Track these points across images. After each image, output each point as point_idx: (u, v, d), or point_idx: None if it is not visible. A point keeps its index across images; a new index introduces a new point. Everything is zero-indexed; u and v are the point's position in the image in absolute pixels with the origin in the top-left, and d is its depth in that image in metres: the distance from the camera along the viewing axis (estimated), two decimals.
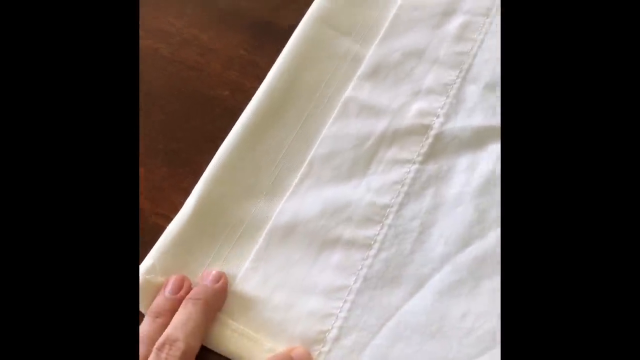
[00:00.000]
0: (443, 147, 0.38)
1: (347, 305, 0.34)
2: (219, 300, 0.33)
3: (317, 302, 0.34)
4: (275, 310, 0.34)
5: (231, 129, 0.38)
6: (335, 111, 0.39)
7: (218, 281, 0.33)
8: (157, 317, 0.32)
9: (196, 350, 0.31)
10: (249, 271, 0.35)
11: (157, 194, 0.37)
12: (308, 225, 0.36)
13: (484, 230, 0.36)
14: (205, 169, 0.36)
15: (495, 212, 0.36)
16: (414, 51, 0.41)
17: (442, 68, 0.40)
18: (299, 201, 0.37)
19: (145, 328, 0.31)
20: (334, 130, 0.39)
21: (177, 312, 0.32)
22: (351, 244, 0.35)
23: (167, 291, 0.33)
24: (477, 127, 0.38)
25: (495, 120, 0.39)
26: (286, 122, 0.39)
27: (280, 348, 0.32)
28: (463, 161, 0.38)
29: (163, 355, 0.30)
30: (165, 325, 0.31)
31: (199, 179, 0.36)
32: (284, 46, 0.41)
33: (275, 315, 0.33)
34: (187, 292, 0.33)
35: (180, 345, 0.30)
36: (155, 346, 0.30)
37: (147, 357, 0.30)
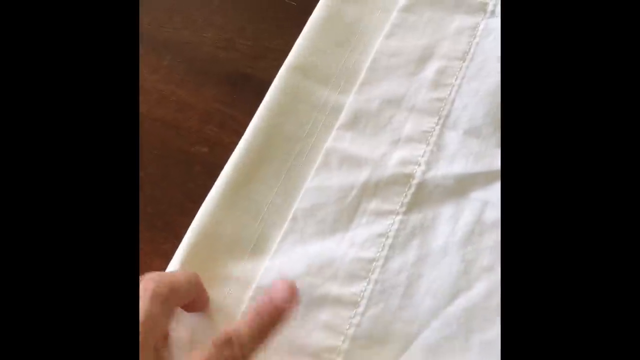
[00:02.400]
0: (426, 196, 0.38)
1: None
2: None
3: None
4: None
5: (212, 186, 0.37)
6: (317, 163, 0.39)
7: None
8: None
9: None
10: None
11: None
12: None
13: (470, 281, 0.35)
14: (186, 231, 0.36)
15: (482, 262, 0.36)
16: (392, 99, 0.41)
17: (420, 115, 0.40)
18: (284, 259, 0.36)
19: None
20: (316, 183, 0.38)
21: None
22: (338, 301, 0.35)
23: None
24: (459, 175, 0.38)
25: (478, 166, 0.39)
26: (267, 176, 0.38)
27: None
28: (447, 210, 0.38)
29: None
30: None
31: (180, 242, 0.36)
32: (262, 98, 0.40)
33: None
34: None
35: None
36: None
37: None
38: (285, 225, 0.37)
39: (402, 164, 0.39)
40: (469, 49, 0.43)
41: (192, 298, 0.32)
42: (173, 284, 0.30)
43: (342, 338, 0.34)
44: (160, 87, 0.42)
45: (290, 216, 0.37)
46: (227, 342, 0.29)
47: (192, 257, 0.35)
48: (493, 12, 0.45)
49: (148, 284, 0.29)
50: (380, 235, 0.37)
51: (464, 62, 0.42)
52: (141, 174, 0.39)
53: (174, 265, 0.35)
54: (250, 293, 0.35)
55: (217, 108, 0.42)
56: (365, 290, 0.35)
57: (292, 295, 0.31)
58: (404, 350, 0.34)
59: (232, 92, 0.42)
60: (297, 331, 0.34)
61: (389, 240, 0.37)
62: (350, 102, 0.41)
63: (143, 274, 0.35)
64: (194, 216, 0.36)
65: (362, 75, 0.42)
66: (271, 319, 0.31)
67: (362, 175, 0.38)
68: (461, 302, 0.35)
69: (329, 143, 0.39)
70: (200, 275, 0.35)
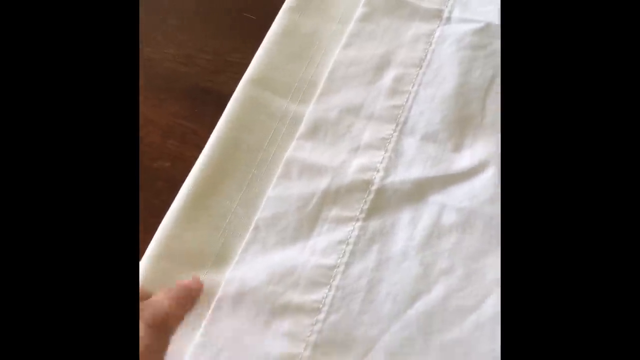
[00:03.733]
0: (385, 201, 0.39)
1: None
2: None
3: None
4: None
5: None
6: (278, 173, 0.39)
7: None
8: None
9: None
10: (198, 347, 0.34)
11: None
12: (256, 293, 0.36)
13: (429, 284, 0.36)
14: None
15: (440, 265, 0.37)
16: (351, 107, 0.42)
17: (378, 123, 0.41)
18: (246, 269, 0.37)
19: None
20: (277, 193, 0.39)
21: None
22: (299, 309, 0.35)
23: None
24: (416, 179, 0.39)
25: (435, 171, 0.39)
26: (229, 188, 0.39)
27: None
28: (405, 215, 0.38)
29: None
30: None
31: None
32: (223, 112, 0.41)
33: None
34: None
35: None
36: None
37: None
38: (247, 236, 0.37)
39: (361, 171, 0.39)
40: (425, 55, 0.44)
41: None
42: (168, 315, 0.33)
43: (303, 345, 0.34)
44: None
45: (252, 226, 0.38)
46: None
47: (154, 270, 0.36)
48: (449, 18, 0.46)
49: (145, 315, 0.31)
50: (341, 242, 0.37)
51: (420, 69, 0.43)
52: None
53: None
54: (213, 304, 0.35)
55: (178, 123, 0.42)
56: (326, 297, 0.36)
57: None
58: (366, 354, 0.34)
59: (193, 106, 0.43)
60: (259, 339, 0.34)
61: (350, 247, 0.37)
62: (309, 112, 0.42)
63: None
64: None
65: (321, 85, 0.43)
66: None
67: (322, 183, 0.39)
68: (420, 305, 0.36)
69: (289, 153, 0.40)
70: (163, 287, 0.35)
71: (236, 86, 0.42)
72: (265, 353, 0.34)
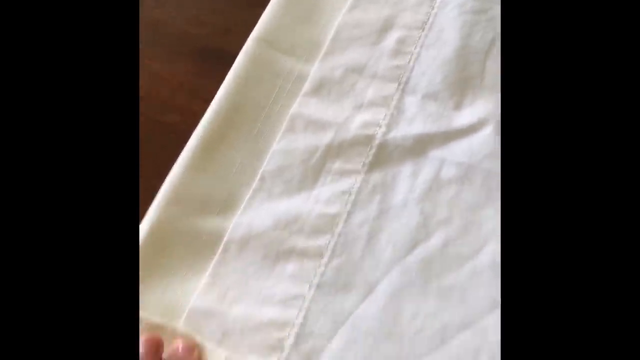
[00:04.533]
0: (387, 156, 0.40)
1: (303, 313, 0.35)
2: None
3: (275, 311, 0.35)
4: (235, 322, 0.35)
5: None
6: (283, 127, 0.41)
7: (193, 351, 0.33)
8: None
9: None
10: (206, 286, 0.36)
11: None
12: (262, 238, 0.37)
13: (429, 232, 0.38)
14: None
15: (439, 215, 0.38)
16: (355, 67, 0.43)
17: (381, 82, 0.43)
18: (252, 215, 0.38)
19: None
20: (283, 146, 0.40)
21: None
22: (304, 253, 0.37)
23: (144, 353, 0.32)
24: (417, 135, 0.40)
25: (435, 127, 0.41)
26: (235, 140, 0.40)
27: (239, 356, 0.33)
28: (406, 169, 0.40)
29: None
30: None
31: None
32: None
33: (235, 326, 0.34)
34: (161, 353, 0.33)
35: None
36: None
37: None
38: (254, 185, 0.39)
39: (364, 127, 0.41)
40: (428, 19, 0.45)
41: None
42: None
43: (307, 287, 0.36)
44: None
45: (258, 177, 0.39)
46: None
47: (164, 215, 0.37)
48: None
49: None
50: (344, 192, 0.39)
51: (422, 31, 0.45)
52: None
53: (145, 223, 0.37)
54: (220, 247, 0.37)
55: (187, 79, 0.44)
56: (329, 243, 0.37)
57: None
58: (366, 296, 0.36)
59: (203, 65, 0.44)
60: (264, 282, 0.36)
61: (352, 197, 0.39)
62: (314, 70, 0.43)
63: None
64: None
65: (326, 45, 0.44)
66: None
67: (326, 138, 0.40)
68: (420, 251, 0.37)
69: (294, 108, 0.41)
70: (171, 232, 0.37)
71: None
72: (271, 293, 0.36)
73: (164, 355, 0.33)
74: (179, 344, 0.33)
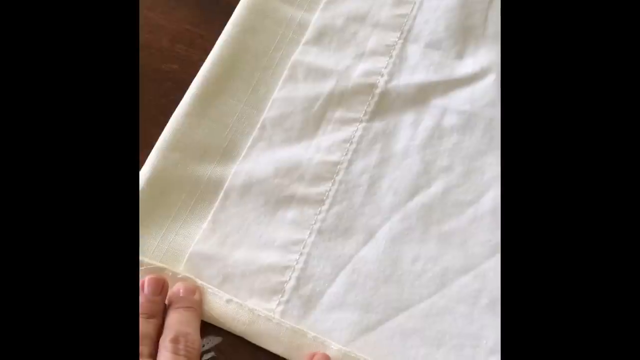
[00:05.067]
0: (388, 104, 0.40)
1: (304, 257, 0.35)
2: (201, 310, 0.33)
3: (275, 255, 0.35)
4: (235, 266, 0.35)
5: None
6: (284, 75, 0.40)
7: (194, 293, 0.33)
8: (149, 317, 0.32)
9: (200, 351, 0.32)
10: (207, 232, 0.36)
11: None
12: (262, 185, 0.37)
13: (429, 180, 0.37)
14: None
15: (440, 163, 0.38)
16: (356, 15, 0.43)
17: (383, 30, 0.42)
18: (253, 163, 0.38)
19: (140, 328, 0.31)
20: (283, 94, 0.40)
21: (173, 314, 0.32)
22: (304, 200, 0.37)
23: (150, 293, 0.33)
24: (419, 84, 0.40)
25: (438, 76, 0.40)
26: (236, 88, 0.40)
27: (240, 299, 0.33)
28: (408, 117, 0.39)
29: (181, 346, 0.30)
30: (159, 325, 0.32)
31: None
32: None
33: (235, 270, 0.35)
34: (166, 292, 0.33)
35: (194, 338, 0.31)
36: (169, 339, 0.30)
37: (151, 355, 0.30)
38: (254, 133, 0.39)
39: (365, 75, 0.40)
40: None
41: None
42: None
43: (308, 232, 0.36)
44: None
45: (258, 125, 0.39)
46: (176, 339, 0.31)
47: (164, 161, 0.37)
48: None
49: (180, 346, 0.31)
50: (345, 140, 0.39)
51: None
52: None
53: (146, 169, 0.36)
54: (220, 194, 0.37)
55: (186, 28, 0.43)
56: (330, 190, 0.37)
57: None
58: (367, 241, 0.36)
59: (202, 14, 0.44)
60: (264, 228, 0.36)
61: (353, 146, 0.39)
62: (315, 18, 0.42)
63: None
64: None
65: None
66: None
67: (327, 86, 0.40)
68: (420, 198, 0.37)
69: (295, 56, 0.41)
70: (172, 179, 0.37)
71: None
72: (271, 238, 0.36)
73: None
74: (180, 287, 0.33)
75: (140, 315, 0.31)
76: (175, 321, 0.32)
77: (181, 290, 0.33)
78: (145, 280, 0.33)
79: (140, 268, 0.34)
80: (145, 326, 0.31)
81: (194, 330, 0.32)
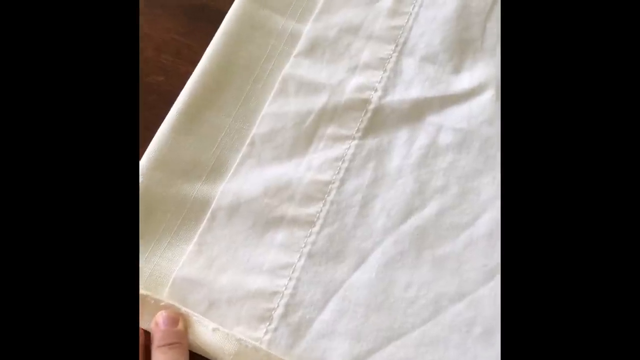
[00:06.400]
0: (382, 120, 0.38)
1: (293, 282, 0.34)
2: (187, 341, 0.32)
3: (263, 280, 0.34)
4: (222, 291, 0.33)
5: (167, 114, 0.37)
6: (274, 89, 0.39)
7: (177, 323, 0.32)
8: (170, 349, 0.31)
9: None
10: (192, 254, 0.34)
11: None
12: (251, 205, 0.36)
13: (424, 200, 0.36)
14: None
15: (435, 183, 0.37)
16: (350, 27, 0.41)
17: (378, 43, 0.41)
18: (241, 182, 0.36)
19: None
20: (274, 109, 0.38)
21: (158, 355, 0.31)
22: (294, 222, 0.35)
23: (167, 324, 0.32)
24: (414, 99, 0.39)
25: (433, 91, 0.39)
26: (224, 102, 0.38)
27: (227, 328, 0.32)
28: (402, 134, 0.38)
29: None
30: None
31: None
32: (218, 28, 0.40)
33: (222, 295, 0.33)
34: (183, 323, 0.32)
35: None
36: None
37: None
38: (243, 150, 0.37)
39: (359, 90, 0.39)
40: None
41: None
42: None
43: (297, 255, 0.35)
44: None
45: (247, 141, 0.37)
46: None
47: (148, 180, 0.35)
48: None
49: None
50: (337, 159, 0.37)
51: None
52: None
53: None
54: (207, 215, 0.35)
55: (173, 38, 0.41)
56: (321, 211, 0.36)
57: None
58: (358, 265, 0.35)
59: (189, 23, 0.42)
60: (252, 251, 0.35)
61: (345, 164, 0.37)
62: (307, 30, 0.41)
63: None
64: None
65: (320, 3, 0.42)
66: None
67: (319, 101, 0.39)
68: (414, 220, 0.36)
69: (286, 69, 0.39)
70: (157, 199, 0.35)
71: (232, 4, 0.41)
72: (260, 262, 0.34)
73: (149, 326, 0.32)
74: (161, 318, 0.32)
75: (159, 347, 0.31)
76: None
77: (162, 323, 0.32)
78: (159, 316, 0.32)
79: None
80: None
81: None
